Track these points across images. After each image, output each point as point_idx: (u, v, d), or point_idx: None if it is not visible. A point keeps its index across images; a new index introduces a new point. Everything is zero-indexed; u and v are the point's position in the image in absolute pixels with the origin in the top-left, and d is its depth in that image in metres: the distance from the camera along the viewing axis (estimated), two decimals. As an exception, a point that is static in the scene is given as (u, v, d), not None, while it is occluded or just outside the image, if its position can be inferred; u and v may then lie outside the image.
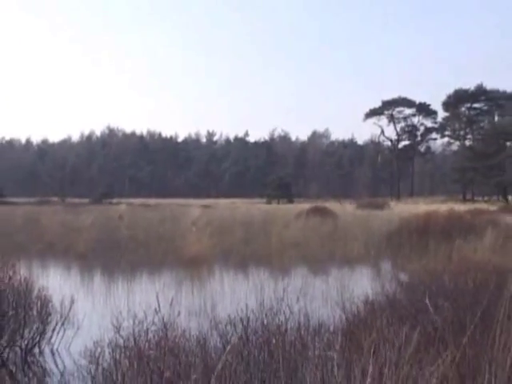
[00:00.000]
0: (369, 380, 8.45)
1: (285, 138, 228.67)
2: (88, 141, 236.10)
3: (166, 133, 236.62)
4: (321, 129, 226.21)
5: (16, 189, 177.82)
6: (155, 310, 12.91)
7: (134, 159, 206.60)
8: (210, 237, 38.25)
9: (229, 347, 10.32)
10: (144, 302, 19.18)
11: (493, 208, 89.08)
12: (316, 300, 21.81)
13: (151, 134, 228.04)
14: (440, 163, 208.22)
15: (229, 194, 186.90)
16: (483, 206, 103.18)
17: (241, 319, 13.23)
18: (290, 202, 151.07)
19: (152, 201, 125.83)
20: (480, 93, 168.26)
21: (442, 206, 76.91)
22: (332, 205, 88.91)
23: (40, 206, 75.18)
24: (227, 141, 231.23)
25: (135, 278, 24.05)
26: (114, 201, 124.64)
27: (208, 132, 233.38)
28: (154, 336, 12.18)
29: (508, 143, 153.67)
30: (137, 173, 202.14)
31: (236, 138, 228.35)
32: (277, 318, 13.59)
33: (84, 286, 24.42)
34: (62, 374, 13.81)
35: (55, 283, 21.88)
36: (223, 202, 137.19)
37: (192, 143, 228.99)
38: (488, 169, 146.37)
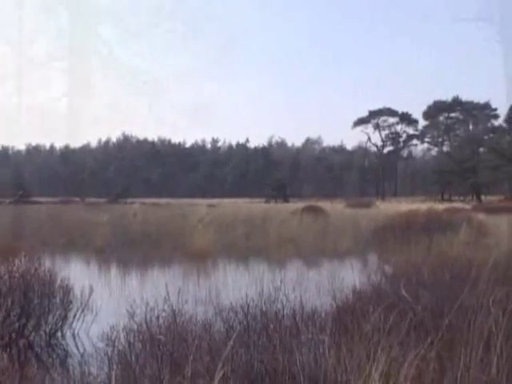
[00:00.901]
0: (356, 361, 8.47)
1: (281, 144, 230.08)
2: (105, 146, 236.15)
3: (175, 139, 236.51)
4: (314, 136, 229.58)
5: (41, 190, 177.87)
6: (165, 298, 12.89)
7: (146, 163, 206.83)
8: (215, 232, 38.28)
9: (234, 335, 10.31)
10: (155, 291, 19.18)
11: (468, 206, 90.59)
12: (309, 289, 21.78)
13: (161, 141, 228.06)
14: (420, 167, 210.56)
15: (231, 194, 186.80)
16: (459, 204, 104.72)
17: (242, 307, 13.22)
18: (286, 201, 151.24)
19: (163, 200, 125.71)
20: (456, 104, 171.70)
21: (422, 205, 77.40)
22: (324, 204, 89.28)
23: (62, 205, 75.46)
24: (230, 146, 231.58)
25: (147, 270, 24.05)
26: (129, 201, 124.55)
27: (213, 139, 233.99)
28: (164, 322, 12.19)
29: (480, 149, 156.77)
30: (149, 175, 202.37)
31: (238, 144, 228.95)
32: (274, 305, 13.59)
33: (101, 277, 24.43)
34: (82, 356, 13.84)
35: (76, 274, 21.86)
36: (226, 201, 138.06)
37: (198, 149, 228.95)
38: (463, 172, 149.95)
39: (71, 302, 16.12)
